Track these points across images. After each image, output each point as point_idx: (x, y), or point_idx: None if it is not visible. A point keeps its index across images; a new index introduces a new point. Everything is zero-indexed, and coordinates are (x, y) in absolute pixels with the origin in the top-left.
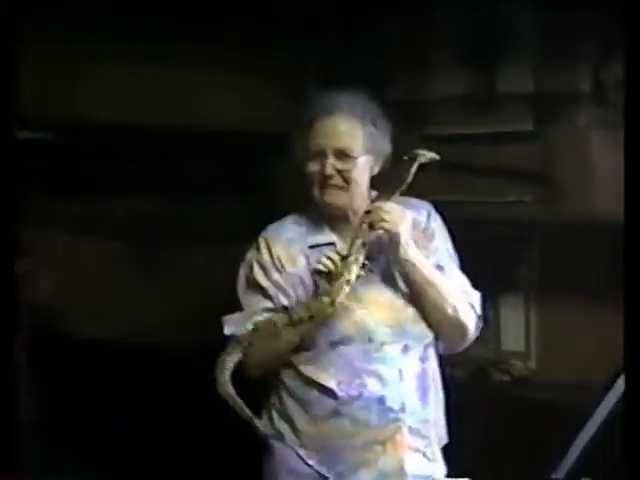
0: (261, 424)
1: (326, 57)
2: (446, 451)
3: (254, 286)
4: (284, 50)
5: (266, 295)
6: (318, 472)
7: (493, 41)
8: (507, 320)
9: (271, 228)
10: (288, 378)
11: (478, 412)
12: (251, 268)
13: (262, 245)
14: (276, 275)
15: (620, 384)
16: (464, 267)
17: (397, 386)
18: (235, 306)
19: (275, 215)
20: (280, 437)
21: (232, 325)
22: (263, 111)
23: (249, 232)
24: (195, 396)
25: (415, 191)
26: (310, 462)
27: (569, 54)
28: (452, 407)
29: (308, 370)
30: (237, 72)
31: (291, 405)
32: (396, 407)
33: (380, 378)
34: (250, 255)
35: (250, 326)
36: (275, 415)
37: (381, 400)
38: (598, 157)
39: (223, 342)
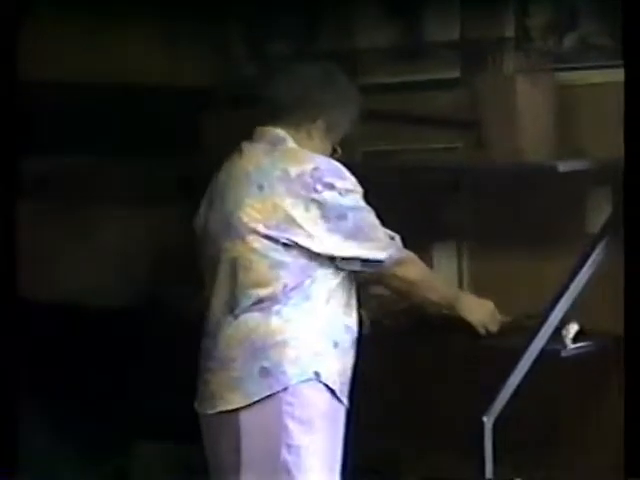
0: None
1: (250, 10)
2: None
3: None
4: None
5: None
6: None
7: None
8: (440, 267)
9: None
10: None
11: (412, 359)
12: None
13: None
14: None
15: (548, 326)
16: (397, 216)
17: None
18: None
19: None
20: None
21: None
22: (188, 67)
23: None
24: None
25: (346, 141)
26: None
27: (494, 0)
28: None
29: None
30: (158, 27)
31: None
32: None
33: None
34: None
35: None
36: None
37: None
38: (525, 102)
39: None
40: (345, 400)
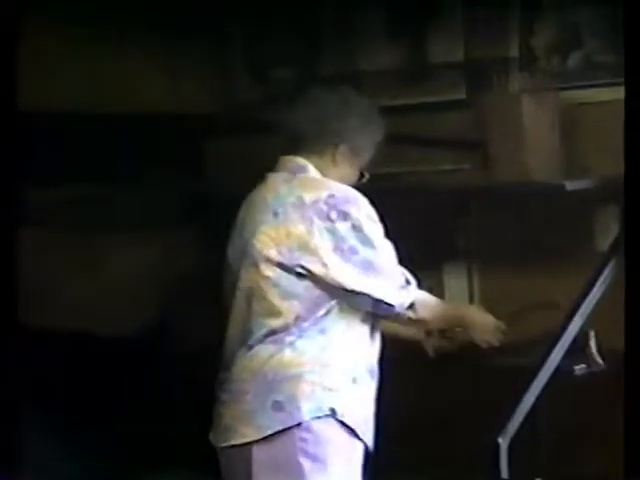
0: None
1: (252, 35)
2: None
3: None
4: (208, 32)
5: None
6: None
7: (422, 11)
8: (450, 288)
9: None
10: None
11: (425, 379)
12: None
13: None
14: None
15: (561, 347)
16: (406, 238)
17: None
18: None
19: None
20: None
21: None
22: (190, 93)
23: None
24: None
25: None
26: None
27: (498, 21)
28: (403, 375)
29: None
30: (161, 54)
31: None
32: None
33: None
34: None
35: None
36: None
37: None
38: (530, 122)
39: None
40: (366, 438)
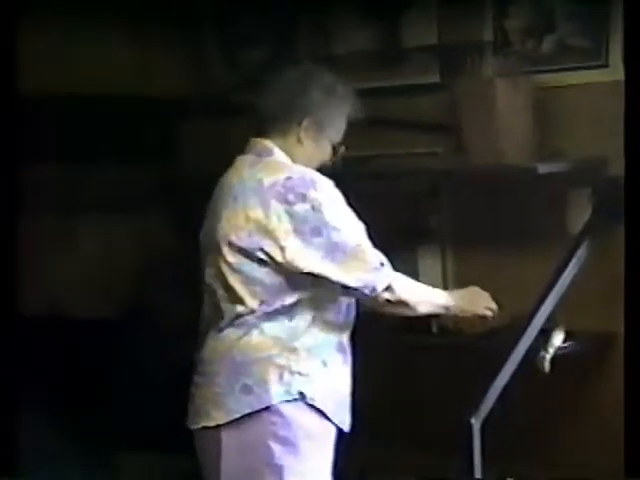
0: None
1: (224, 18)
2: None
3: None
4: (180, 15)
5: None
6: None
7: None
8: (425, 271)
9: None
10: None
11: (400, 362)
12: None
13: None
14: None
15: (534, 328)
16: (379, 221)
17: None
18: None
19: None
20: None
21: None
22: (161, 76)
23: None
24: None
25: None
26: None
27: (472, 4)
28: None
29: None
30: (132, 37)
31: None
32: None
33: None
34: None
35: None
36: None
37: None
38: (504, 105)
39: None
40: (339, 420)
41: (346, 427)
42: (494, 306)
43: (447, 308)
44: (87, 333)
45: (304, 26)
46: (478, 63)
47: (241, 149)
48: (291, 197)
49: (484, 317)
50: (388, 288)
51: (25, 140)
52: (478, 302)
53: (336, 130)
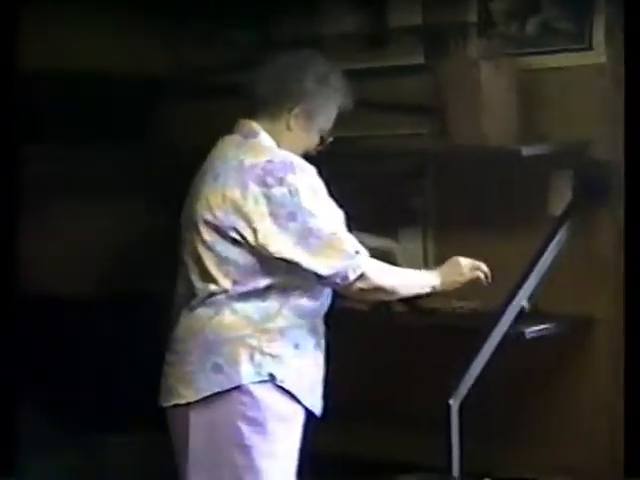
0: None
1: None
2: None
3: None
4: None
5: None
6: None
7: None
8: (406, 250)
9: None
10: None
11: (380, 343)
12: None
13: None
14: None
15: (513, 309)
16: (362, 202)
17: None
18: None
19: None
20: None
21: None
22: (142, 57)
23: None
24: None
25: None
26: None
27: None
28: (355, 339)
29: None
30: (111, 16)
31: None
32: None
33: None
34: None
35: None
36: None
37: None
38: (488, 87)
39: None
40: (309, 403)
41: (317, 411)
42: (482, 266)
43: (433, 287)
44: (67, 315)
45: (288, 7)
46: (462, 45)
47: (225, 131)
48: (270, 180)
49: (477, 279)
50: (361, 276)
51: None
52: (463, 270)
53: (326, 119)
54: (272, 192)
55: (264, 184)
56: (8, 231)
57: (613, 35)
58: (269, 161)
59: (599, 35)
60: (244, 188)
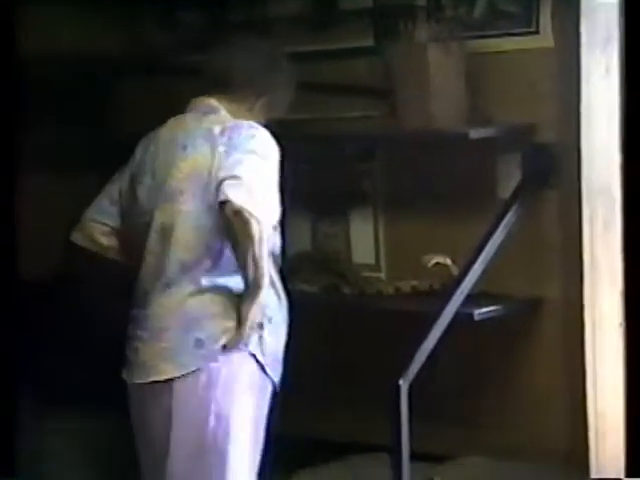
0: None
1: None
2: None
3: None
4: None
5: None
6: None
7: None
8: (357, 234)
9: None
10: None
11: (330, 325)
12: None
13: None
14: None
15: (462, 291)
16: (313, 185)
17: None
18: None
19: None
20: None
21: None
22: (98, 36)
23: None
24: None
25: None
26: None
27: None
28: (304, 322)
29: None
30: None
31: None
32: None
33: None
34: None
35: None
36: None
37: None
38: (436, 71)
39: None
40: (275, 375)
41: (277, 384)
42: None
43: None
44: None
45: None
46: (412, 28)
47: (177, 109)
48: (235, 136)
49: None
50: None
51: None
52: None
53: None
54: (233, 140)
55: (229, 138)
56: None
57: (560, 19)
58: (237, 124)
59: (546, 19)
60: (214, 150)
